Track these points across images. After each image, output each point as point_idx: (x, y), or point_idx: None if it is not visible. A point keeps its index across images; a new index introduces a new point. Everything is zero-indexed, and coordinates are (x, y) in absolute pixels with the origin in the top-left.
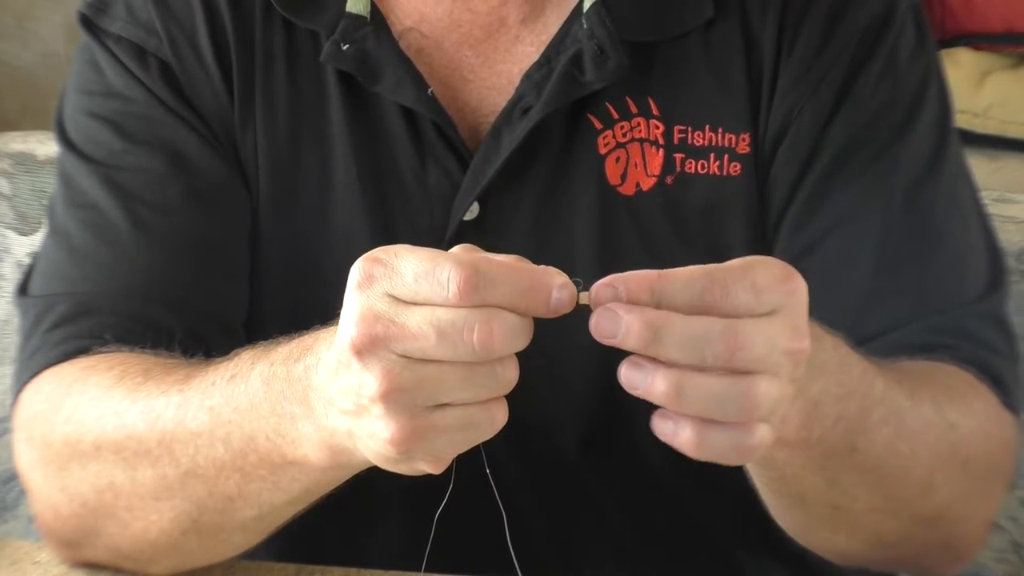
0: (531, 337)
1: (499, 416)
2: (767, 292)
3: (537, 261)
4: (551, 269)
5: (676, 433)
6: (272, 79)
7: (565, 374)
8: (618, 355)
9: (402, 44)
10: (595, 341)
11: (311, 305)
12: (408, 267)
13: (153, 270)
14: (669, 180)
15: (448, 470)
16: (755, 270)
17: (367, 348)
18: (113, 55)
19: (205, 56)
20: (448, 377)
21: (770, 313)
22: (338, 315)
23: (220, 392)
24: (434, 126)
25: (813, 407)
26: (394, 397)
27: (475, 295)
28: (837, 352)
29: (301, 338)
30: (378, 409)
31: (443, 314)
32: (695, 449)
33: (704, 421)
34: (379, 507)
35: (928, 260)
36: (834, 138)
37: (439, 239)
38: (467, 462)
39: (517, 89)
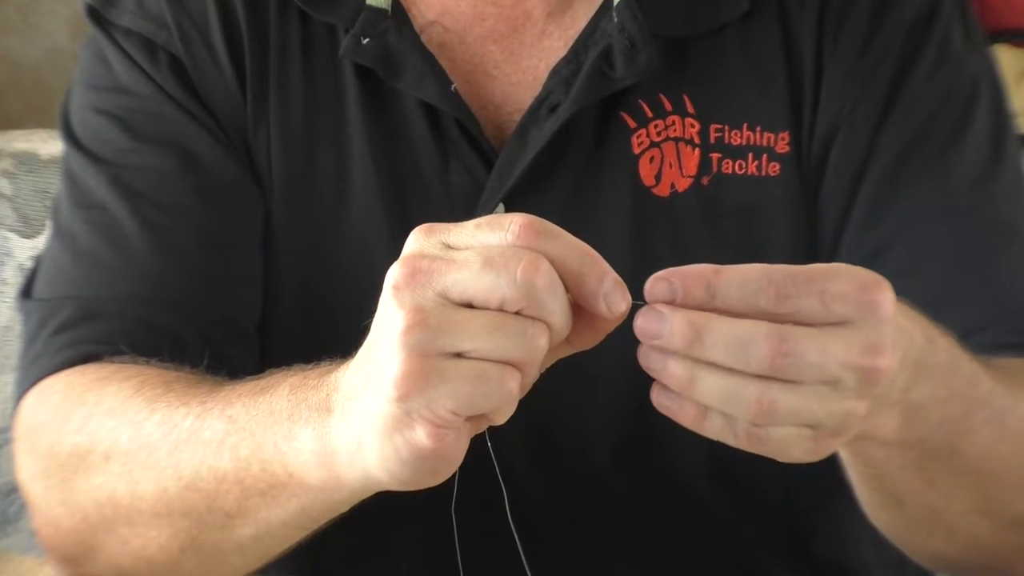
0: (570, 319)
1: (510, 383)
2: (839, 301)
3: None
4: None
5: (681, 408)
6: (287, 75)
7: (596, 386)
8: (648, 375)
9: (424, 38)
10: (628, 351)
11: (326, 310)
12: (470, 223)
13: (162, 273)
14: (705, 181)
15: (452, 478)
16: (832, 277)
17: (407, 282)
18: (122, 49)
19: (217, 50)
20: (476, 322)
21: (840, 324)
22: (357, 320)
23: (244, 402)
24: (457, 124)
25: (915, 410)
26: (415, 333)
27: (534, 238)
28: (949, 354)
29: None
30: (395, 344)
31: (495, 247)
32: (699, 428)
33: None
34: (392, 527)
35: (999, 258)
36: (890, 139)
37: None
38: (483, 473)
39: (544, 86)
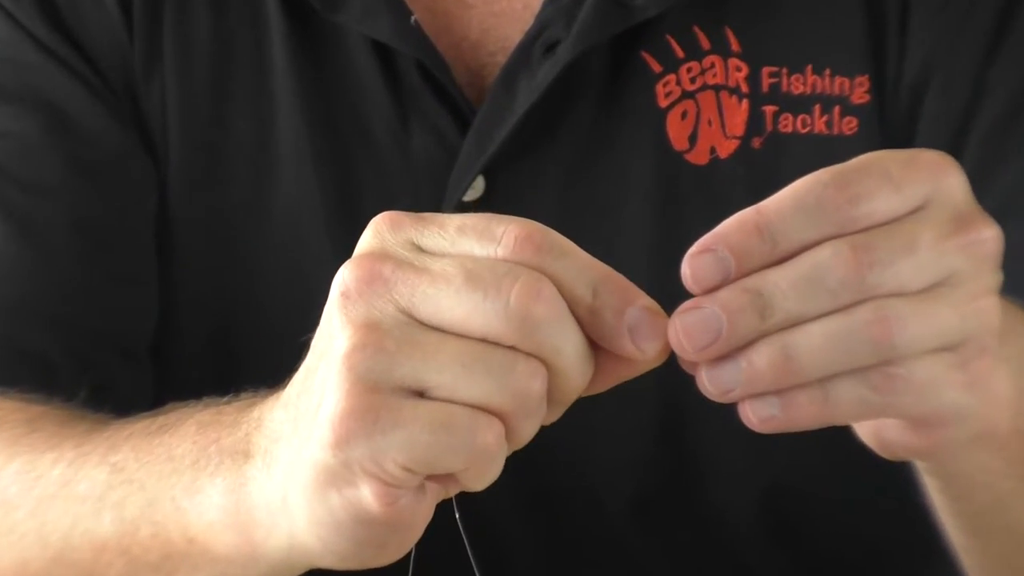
0: (588, 361)
1: (486, 436)
2: (908, 182)
3: None
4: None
5: (792, 405)
6: (189, 8)
7: (611, 420)
8: (680, 390)
9: None
10: (654, 370)
11: (246, 324)
12: (452, 219)
13: (22, 274)
14: (757, 143)
15: (407, 556)
16: (882, 161)
17: (361, 290)
18: None
19: None
20: (447, 350)
21: (917, 210)
22: (289, 336)
23: (134, 446)
24: (419, 69)
25: (1017, 376)
26: (365, 358)
27: (534, 254)
28: None
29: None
30: (337, 370)
31: (482, 260)
32: (827, 413)
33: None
34: None
35: None
36: (998, 86)
37: None
38: (452, 540)
39: (538, 17)
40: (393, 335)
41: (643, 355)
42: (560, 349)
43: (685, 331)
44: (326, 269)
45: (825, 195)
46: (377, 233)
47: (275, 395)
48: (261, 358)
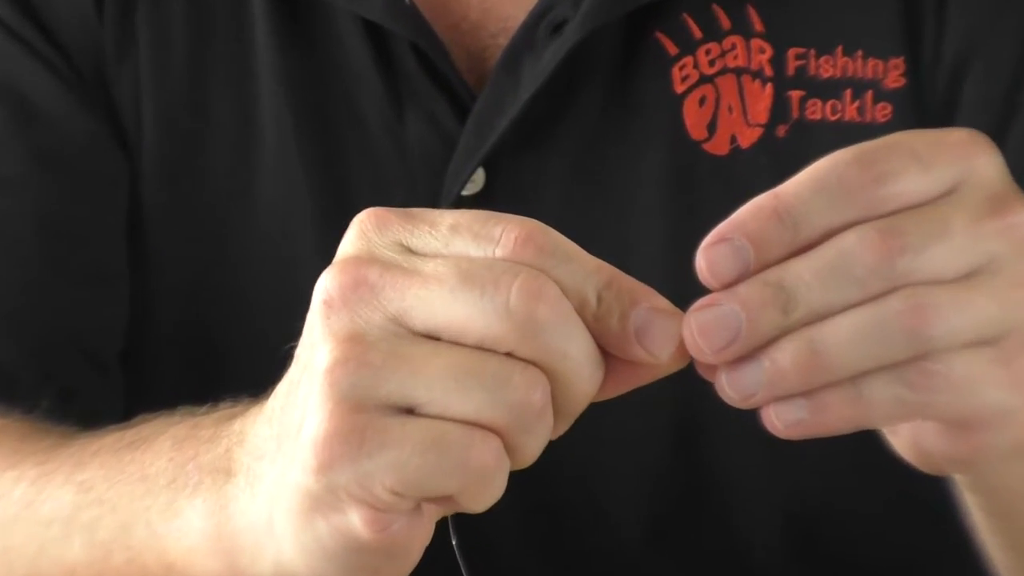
0: (598, 365)
1: (483, 455)
2: (938, 162)
3: None
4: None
5: (824, 408)
6: None
7: (621, 431)
8: (696, 400)
9: None
10: (670, 377)
11: (226, 329)
12: (444, 217)
13: None
14: (782, 131)
15: None
16: (908, 140)
17: (345, 297)
18: None
19: None
20: (437, 363)
21: (949, 192)
22: (272, 343)
23: (103, 463)
24: (415, 52)
25: None
26: (348, 374)
27: (535, 255)
28: None
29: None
30: (319, 387)
31: (479, 259)
32: (861, 414)
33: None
34: None
35: None
36: None
37: None
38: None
39: None
40: (379, 347)
41: (655, 359)
42: (566, 353)
43: (701, 330)
44: (313, 266)
45: (848, 175)
46: (362, 233)
47: (258, 407)
48: (244, 363)
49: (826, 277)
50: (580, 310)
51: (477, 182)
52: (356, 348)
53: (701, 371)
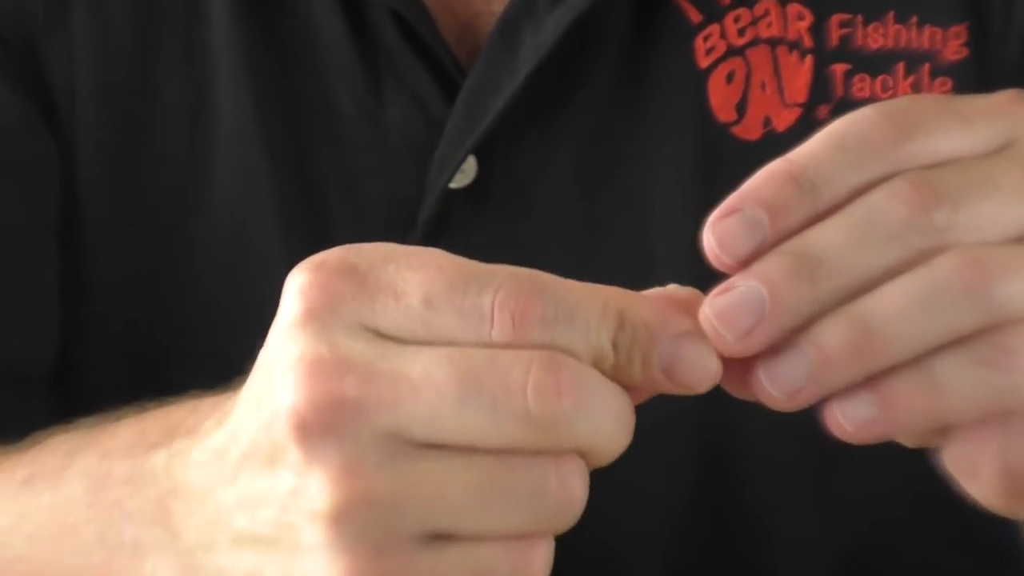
0: (629, 415)
1: (529, 568)
2: (982, 116)
3: (582, 257)
4: (664, 294)
5: (896, 399)
6: None
7: (637, 467)
8: (722, 421)
9: None
10: (690, 405)
11: (171, 337)
12: (408, 282)
13: None
14: (823, 112)
15: None
16: (948, 98)
17: (325, 420)
18: None
19: None
20: (457, 481)
21: (998, 151)
22: (226, 360)
23: (4, 505)
24: (396, 22)
25: None
26: (358, 515)
27: (542, 330)
28: None
29: (166, 409)
30: (324, 535)
31: (474, 351)
32: (941, 405)
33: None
34: None
35: None
36: None
37: (406, 219)
38: None
39: None
40: (382, 475)
41: (692, 391)
42: (598, 429)
43: (720, 317)
44: (277, 273)
45: (872, 129)
46: (311, 317)
47: (183, 451)
48: (194, 379)
49: (857, 236)
50: (598, 365)
51: (468, 172)
52: (357, 483)
53: (733, 391)
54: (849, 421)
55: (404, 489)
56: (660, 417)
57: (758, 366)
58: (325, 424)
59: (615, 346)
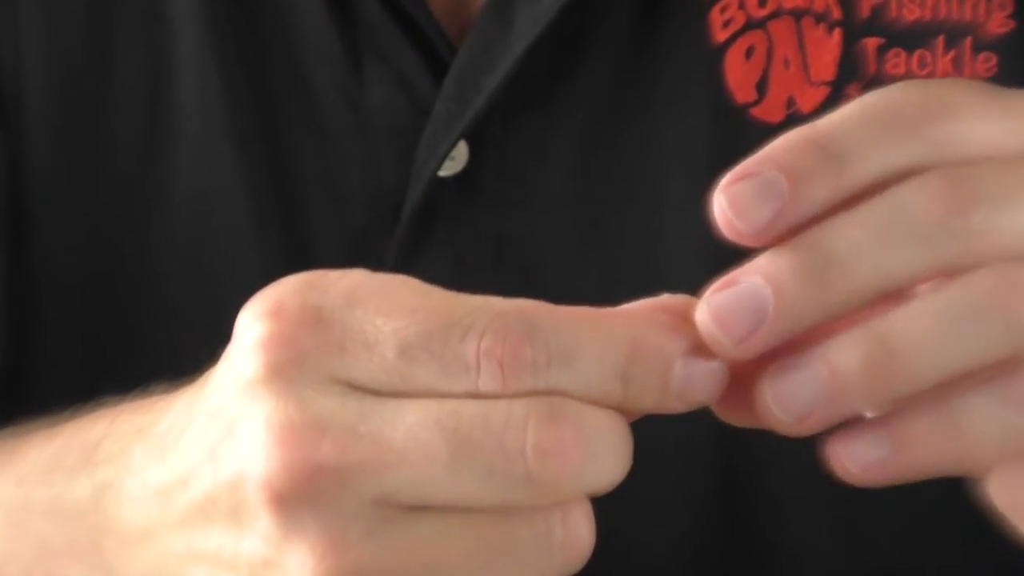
0: (627, 450)
1: None
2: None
3: (583, 252)
4: (657, 305)
5: (907, 438)
6: None
7: (647, 490)
8: (740, 442)
9: None
10: (704, 420)
11: (131, 333)
12: (383, 327)
13: None
14: (854, 91)
15: None
16: (1006, 91)
17: (300, 492)
18: None
19: None
20: (459, 543)
21: None
22: (182, 360)
23: None
24: None
25: None
26: None
27: (534, 375)
28: None
29: (79, 422)
30: None
31: (463, 407)
32: (961, 448)
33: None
34: None
35: None
36: None
37: (389, 215)
38: None
39: None
40: (371, 545)
41: (700, 406)
42: (605, 472)
43: (717, 317)
44: (246, 272)
45: (905, 104)
46: (276, 373)
47: (113, 480)
48: (153, 384)
49: (878, 234)
50: (603, 401)
51: (459, 159)
52: (343, 557)
53: (736, 417)
54: (856, 464)
55: (395, 559)
56: (673, 439)
57: (763, 383)
58: (302, 495)
59: (625, 379)
